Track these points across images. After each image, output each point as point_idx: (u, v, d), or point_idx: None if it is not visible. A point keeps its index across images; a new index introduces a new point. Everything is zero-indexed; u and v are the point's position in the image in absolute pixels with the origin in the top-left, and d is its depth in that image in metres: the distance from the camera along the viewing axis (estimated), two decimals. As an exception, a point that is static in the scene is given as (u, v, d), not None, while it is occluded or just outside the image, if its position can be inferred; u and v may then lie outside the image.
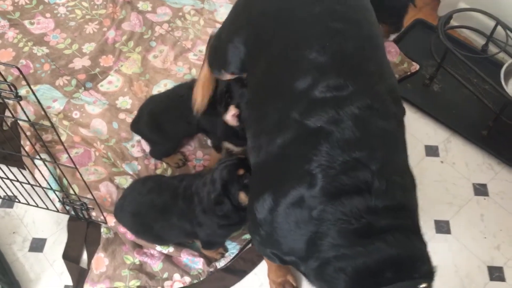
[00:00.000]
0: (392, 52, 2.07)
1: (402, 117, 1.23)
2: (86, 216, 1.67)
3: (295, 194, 1.04)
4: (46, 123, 1.83)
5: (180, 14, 2.20)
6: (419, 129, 1.92)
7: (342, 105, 1.07)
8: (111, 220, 1.63)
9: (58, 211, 1.68)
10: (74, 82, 2.01)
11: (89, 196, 1.55)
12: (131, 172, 1.77)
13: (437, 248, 1.65)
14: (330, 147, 1.03)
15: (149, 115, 1.74)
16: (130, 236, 1.59)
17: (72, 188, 1.66)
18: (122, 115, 1.90)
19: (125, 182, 1.74)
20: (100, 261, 1.59)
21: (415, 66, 2.05)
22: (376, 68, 1.19)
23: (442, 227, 1.69)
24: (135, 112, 1.89)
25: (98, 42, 2.12)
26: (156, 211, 1.50)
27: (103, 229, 1.66)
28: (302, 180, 1.04)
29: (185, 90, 1.69)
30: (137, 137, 1.85)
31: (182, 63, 2.06)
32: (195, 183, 1.47)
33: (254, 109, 1.30)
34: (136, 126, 1.80)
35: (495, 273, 1.60)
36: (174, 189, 1.50)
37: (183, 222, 1.47)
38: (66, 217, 1.72)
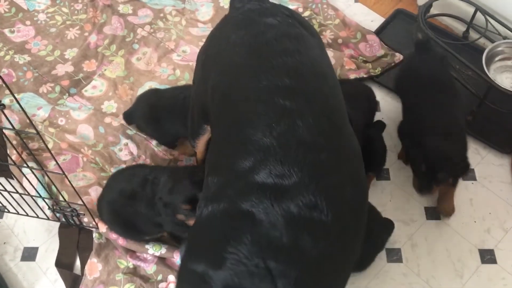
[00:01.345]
0: (375, 46, 2.08)
1: (363, 226, 1.06)
2: (77, 223, 1.66)
3: (201, 269, 0.97)
4: (32, 131, 1.81)
5: (162, 15, 2.19)
6: (405, 118, 1.93)
7: (280, 197, 0.95)
8: (103, 226, 1.62)
9: (48, 218, 1.67)
10: (58, 88, 2.00)
11: (79, 202, 1.54)
12: (120, 176, 1.76)
13: (428, 234, 1.67)
14: (251, 241, 0.92)
15: (150, 107, 1.74)
16: (122, 241, 1.59)
17: (61, 195, 1.65)
18: (108, 119, 1.89)
19: (115, 186, 1.74)
20: (94, 267, 1.59)
21: (399, 57, 2.06)
22: (330, 156, 1.03)
23: (432, 213, 1.71)
24: (121, 116, 1.88)
25: (80, 47, 2.11)
26: (125, 197, 1.51)
27: (95, 235, 1.66)
28: (213, 258, 0.96)
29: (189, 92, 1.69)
30: (124, 141, 1.84)
31: (166, 64, 2.05)
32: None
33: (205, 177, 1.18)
34: (130, 117, 1.80)
35: (487, 255, 1.62)
36: (144, 176, 1.51)
37: (148, 209, 1.48)
38: (57, 224, 1.71)
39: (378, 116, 1.94)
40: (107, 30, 2.15)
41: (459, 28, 2.10)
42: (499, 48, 1.85)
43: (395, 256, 1.63)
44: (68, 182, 1.67)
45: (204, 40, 1.95)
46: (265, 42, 1.18)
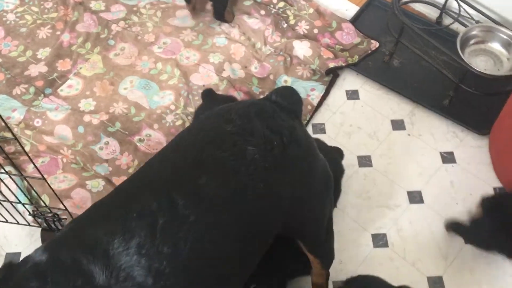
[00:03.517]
0: (351, 34, 2.10)
1: None
2: (60, 228, 1.63)
3: None
4: (8, 134, 1.77)
5: (135, 9, 2.16)
6: (383, 105, 1.96)
7: None
8: (87, 226, 1.59)
9: (29, 224, 1.63)
10: (32, 89, 1.95)
11: (61, 206, 1.51)
12: (102, 174, 1.74)
13: (413, 217, 1.69)
14: None
15: None
16: None
17: (41, 200, 1.61)
18: (87, 118, 1.86)
19: (98, 185, 1.71)
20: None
21: (375, 44, 2.09)
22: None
23: (415, 197, 1.73)
24: (101, 113, 1.86)
25: (53, 47, 2.06)
26: None
27: (79, 236, 1.63)
28: None
29: None
30: (105, 139, 1.81)
31: (147, 58, 2.03)
32: None
33: None
34: None
35: (469, 236, 1.66)
36: None
37: None
38: (39, 228, 1.67)
39: (357, 104, 1.96)
40: (80, 28, 2.11)
41: (433, 14, 2.14)
42: (473, 32, 1.88)
43: (380, 241, 1.65)
44: (48, 185, 1.64)
45: (185, 32, 1.94)
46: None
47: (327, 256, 1.41)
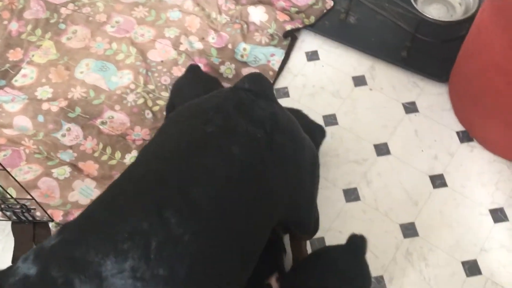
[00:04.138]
0: (305, -5, 2.09)
1: None
2: (30, 218, 1.60)
3: None
4: (-36, 130, 1.72)
5: (84, -9, 2.10)
6: (344, 63, 1.97)
7: None
8: (59, 215, 1.57)
9: (-2, 219, 1.61)
10: (-15, 83, 1.89)
11: (28, 196, 1.49)
12: (68, 160, 1.71)
13: (380, 169, 1.72)
14: None
15: None
16: None
17: (7, 192, 1.58)
18: (45, 106, 1.81)
19: (64, 172, 1.68)
20: (55, 256, 1.54)
21: (330, 3, 2.08)
22: None
23: (382, 149, 1.76)
24: (60, 100, 1.81)
25: (2, 37, 1.99)
26: None
27: (51, 224, 1.61)
28: None
29: None
30: (66, 125, 1.78)
31: (101, 38, 1.98)
32: None
33: None
34: None
35: (437, 180, 1.70)
36: None
37: None
38: (10, 222, 1.64)
39: (318, 64, 1.96)
40: (28, 15, 2.04)
41: (384, -33, 2.13)
42: (424, -19, 1.89)
43: (352, 195, 1.68)
44: (11, 176, 1.61)
45: (137, 9, 1.88)
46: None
47: (314, 231, 1.40)
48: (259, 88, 1.17)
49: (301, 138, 1.20)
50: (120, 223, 0.90)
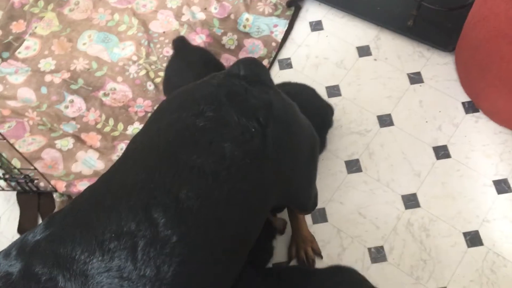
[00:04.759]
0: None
1: None
2: (34, 189, 1.63)
3: None
4: (-31, 102, 1.73)
5: (85, -38, 2.07)
6: (348, 33, 1.93)
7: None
8: (62, 185, 1.59)
9: (3, 189, 1.63)
10: (-11, 55, 1.90)
11: (31, 167, 1.50)
12: (71, 132, 1.72)
13: (383, 140, 1.71)
14: None
15: None
16: None
17: (9, 163, 1.60)
18: (48, 78, 1.82)
19: (67, 143, 1.69)
20: (59, 225, 1.57)
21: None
22: None
23: (385, 120, 1.74)
24: (62, 72, 1.82)
25: (5, 9, 1.99)
26: None
27: (56, 195, 1.63)
28: None
29: None
30: (69, 97, 1.78)
31: (103, 10, 1.97)
32: None
33: None
34: None
35: (441, 151, 1.68)
36: None
37: None
38: (15, 192, 1.67)
39: (322, 34, 1.93)
40: (30, -13, 2.03)
41: None
42: None
43: (354, 166, 1.67)
44: (17, 149, 1.63)
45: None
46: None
47: (312, 207, 1.38)
48: (254, 74, 1.11)
49: (299, 126, 1.15)
50: (107, 221, 0.89)
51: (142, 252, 0.86)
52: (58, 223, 0.93)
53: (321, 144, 1.65)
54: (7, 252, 0.91)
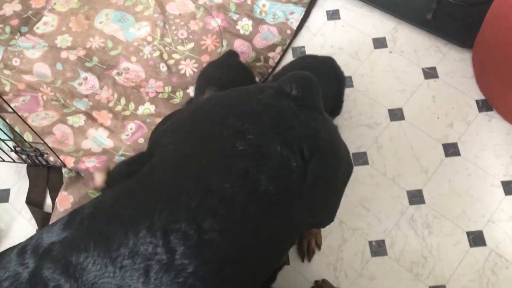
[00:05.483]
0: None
1: None
2: (44, 163, 1.66)
3: None
4: (-14, 75, 1.77)
5: None
6: (365, 23, 1.91)
7: None
8: (70, 161, 1.62)
9: (14, 161, 1.67)
10: (8, 29, 1.93)
11: (43, 141, 1.53)
12: (83, 109, 1.75)
13: (393, 134, 1.69)
14: None
15: None
16: (92, 167, 1.59)
17: (20, 137, 1.63)
18: (64, 54, 1.84)
19: (79, 120, 1.72)
20: (64, 199, 1.60)
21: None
22: None
23: (396, 114, 1.72)
24: (78, 49, 1.84)
25: (25, -16, 2.01)
26: None
27: (64, 170, 1.66)
28: None
29: None
30: (83, 74, 1.81)
31: (121, -11, 1.98)
32: None
33: None
34: None
35: (450, 149, 1.65)
36: None
37: None
38: (25, 165, 1.70)
39: (338, 24, 1.91)
40: (52, -37, 2.05)
41: None
42: None
43: (361, 159, 1.66)
44: (30, 123, 1.66)
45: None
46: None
47: (329, 223, 1.31)
48: (306, 95, 1.04)
49: (340, 158, 1.08)
50: (124, 237, 0.86)
51: (155, 276, 0.84)
52: (76, 226, 0.92)
53: (339, 107, 1.64)
54: (22, 250, 0.91)
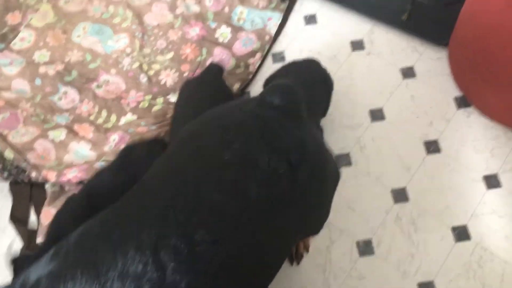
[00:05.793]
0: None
1: None
2: (26, 180, 1.64)
3: None
4: (-37, 93, 1.75)
5: (81, -46, 2.08)
6: (342, 26, 1.93)
7: None
8: (53, 175, 1.61)
9: (-5, 179, 1.65)
10: (-16, 46, 1.91)
11: (26, 157, 1.52)
12: (64, 123, 1.73)
13: (374, 134, 1.71)
14: None
15: None
16: (73, 177, 1.58)
17: (1, 155, 1.61)
18: (42, 69, 1.83)
19: (60, 134, 1.71)
20: (49, 214, 1.58)
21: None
22: None
23: (377, 115, 1.74)
24: (57, 63, 1.83)
25: (0, 0, 2.00)
26: None
27: (47, 185, 1.64)
28: None
29: None
30: (63, 89, 1.80)
31: (98, 2, 1.97)
32: None
33: None
34: None
35: (431, 146, 1.68)
36: None
37: None
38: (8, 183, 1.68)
39: (316, 28, 1.93)
40: (26, -22, 2.04)
41: None
42: None
43: (344, 160, 1.67)
44: (11, 140, 1.65)
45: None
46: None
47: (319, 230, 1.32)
48: (290, 104, 1.05)
49: (327, 165, 1.10)
50: (112, 259, 0.84)
51: None
52: (62, 256, 0.89)
53: (327, 108, 1.63)
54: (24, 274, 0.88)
